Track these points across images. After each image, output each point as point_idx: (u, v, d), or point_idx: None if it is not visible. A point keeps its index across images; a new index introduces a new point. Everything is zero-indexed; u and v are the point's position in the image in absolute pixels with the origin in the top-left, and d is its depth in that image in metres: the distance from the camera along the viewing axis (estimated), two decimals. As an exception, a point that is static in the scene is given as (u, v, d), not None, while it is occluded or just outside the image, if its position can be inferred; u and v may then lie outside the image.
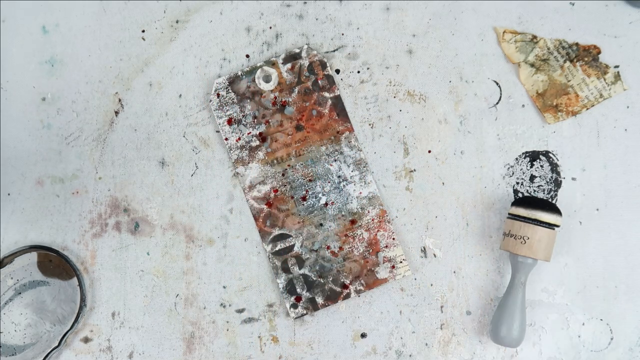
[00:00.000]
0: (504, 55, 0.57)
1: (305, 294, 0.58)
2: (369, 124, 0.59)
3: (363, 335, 0.58)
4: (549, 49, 0.54)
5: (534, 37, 0.56)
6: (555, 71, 0.55)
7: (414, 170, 0.59)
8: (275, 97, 0.59)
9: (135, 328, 0.59)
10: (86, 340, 0.59)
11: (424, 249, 0.59)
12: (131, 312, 0.59)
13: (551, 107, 0.56)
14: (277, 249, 0.59)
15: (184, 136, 0.60)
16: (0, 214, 0.60)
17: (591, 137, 0.59)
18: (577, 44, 0.55)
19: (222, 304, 0.59)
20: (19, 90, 0.60)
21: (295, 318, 0.58)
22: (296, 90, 0.59)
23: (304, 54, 0.59)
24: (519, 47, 0.55)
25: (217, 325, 0.59)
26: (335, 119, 0.59)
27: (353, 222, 0.59)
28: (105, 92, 0.60)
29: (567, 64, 0.54)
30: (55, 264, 0.58)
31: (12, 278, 0.58)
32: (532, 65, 0.54)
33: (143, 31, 0.60)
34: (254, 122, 0.59)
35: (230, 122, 0.59)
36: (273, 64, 0.59)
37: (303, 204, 0.59)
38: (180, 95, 0.60)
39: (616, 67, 0.57)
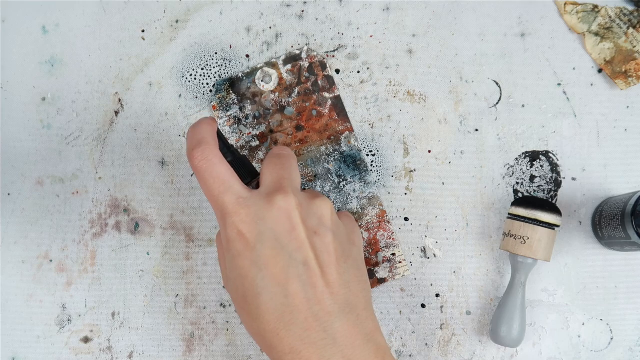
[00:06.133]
0: (568, 27, 0.57)
1: (305, 294, 0.58)
2: (369, 124, 0.59)
3: (363, 335, 0.58)
4: (610, 17, 0.55)
5: (595, 6, 0.56)
6: (620, 38, 0.56)
7: (414, 170, 0.59)
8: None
9: (135, 328, 0.59)
10: (86, 340, 0.59)
11: (424, 249, 0.59)
12: (131, 312, 0.59)
13: (621, 73, 0.56)
14: (277, 249, 0.59)
15: (184, 136, 0.60)
16: (0, 214, 0.60)
17: (591, 137, 0.59)
18: (637, 11, 0.56)
19: (222, 304, 0.59)
20: (19, 90, 0.60)
21: (295, 318, 0.58)
22: (296, 90, 0.59)
23: (304, 55, 0.59)
24: (581, 18, 0.55)
25: (217, 325, 0.59)
26: (335, 119, 0.59)
27: (353, 222, 0.59)
28: (105, 92, 0.60)
29: (631, 30, 0.54)
30: None
31: None
32: (597, 34, 0.54)
33: (143, 31, 0.60)
34: (254, 122, 0.59)
35: (230, 122, 0.59)
36: (273, 65, 0.60)
37: (303, 204, 0.59)
38: (180, 95, 0.60)
39: None
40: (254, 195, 0.42)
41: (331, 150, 0.59)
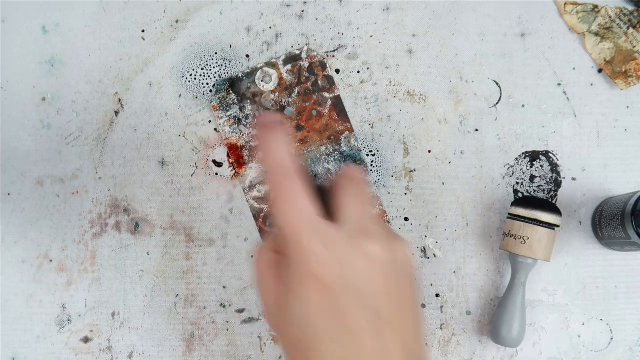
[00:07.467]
0: (568, 27, 0.57)
1: (305, 294, 0.58)
2: (369, 124, 0.59)
3: (363, 335, 0.58)
4: (610, 17, 0.55)
5: (595, 6, 0.56)
6: (620, 38, 0.56)
7: (414, 170, 0.59)
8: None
9: (135, 328, 0.59)
10: (86, 340, 0.59)
11: (424, 249, 0.59)
12: (131, 312, 0.59)
13: (621, 73, 0.56)
14: (277, 249, 0.59)
15: (183, 136, 0.60)
16: (0, 214, 0.60)
17: (591, 137, 0.59)
18: (637, 11, 0.56)
19: (222, 304, 0.59)
20: (19, 90, 0.60)
21: (295, 318, 0.58)
22: (296, 90, 0.59)
23: (304, 55, 0.59)
24: (581, 18, 0.55)
25: (217, 325, 0.59)
26: (335, 119, 0.59)
27: (353, 222, 0.58)
28: (105, 92, 0.60)
29: (631, 30, 0.54)
30: None
31: None
32: (597, 34, 0.54)
33: (143, 31, 0.60)
34: (254, 122, 0.59)
35: (230, 122, 0.59)
36: (273, 65, 0.60)
37: (303, 204, 0.59)
38: (180, 95, 0.60)
39: None
40: (338, 235, 0.38)
41: (331, 150, 0.59)
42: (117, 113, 0.60)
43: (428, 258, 0.58)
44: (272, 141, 0.40)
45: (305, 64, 0.59)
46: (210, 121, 0.60)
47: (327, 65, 0.59)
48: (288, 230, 0.38)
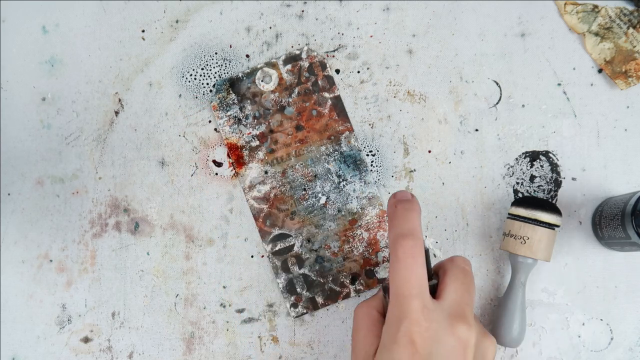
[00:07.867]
0: (568, 27, 0.57)
1: (305, 294, 0.58)
2: (369, 124, 0.59)
3: (363, 335, 0.58)
4: (610, 17, 0.55)
5: (595, 6, 0.56)
6: (620, 38, 0.56)
7: (414, 170, 0.59)
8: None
9: (135, 328, 0.59)
10: (86, 340, 0.59)
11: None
12: (131, 312, 0.59)
13: (621, 73, 0.56)
14: (277, 248, 0.59)
15: (183, 136, 0.60)
16: (0, 214, 0.60)
17: (591, 137, 0.59)
18: (637, 11, 0.56)
19: (222, 304, 0.59)
20: (19, 90, 0.60)
21: (296, 317, 0.58)
22: (296, 90, 0.59)
23: (304, 55, 0.60)
24: (581, 18, 0.55)
25: (217, 325, 0.59)
26: (335, 119, 0.59)
27: (353, 222, 0.59)
28: (105, 92, 0.60)
29: (631, 30, 0.54)
30: None
31: None
32: (597, 34, 0.55)
33: (143, 31, 0.60)
34: (254, 122, 0.59)
35: (230, 122, 0.59)
36: (273, 65, 0.60)
37: (303, 204, 0.59)
38: (180, 95, 0.60)
39: None
40: (437, 310, 0.42)
41: (331, 150, 0.59)
42: (117, 113, 0.60)
43: (428, 258, 0.58)
44: (407, 210, 0.43)
45: (305, 64, 0.59)
46: (210, 121, 0.60)
47: (327, 65, 0.59)
48: (402, 291, 0.41)
